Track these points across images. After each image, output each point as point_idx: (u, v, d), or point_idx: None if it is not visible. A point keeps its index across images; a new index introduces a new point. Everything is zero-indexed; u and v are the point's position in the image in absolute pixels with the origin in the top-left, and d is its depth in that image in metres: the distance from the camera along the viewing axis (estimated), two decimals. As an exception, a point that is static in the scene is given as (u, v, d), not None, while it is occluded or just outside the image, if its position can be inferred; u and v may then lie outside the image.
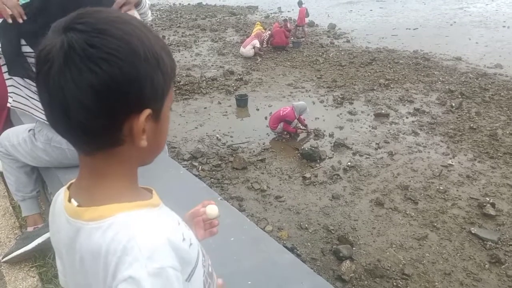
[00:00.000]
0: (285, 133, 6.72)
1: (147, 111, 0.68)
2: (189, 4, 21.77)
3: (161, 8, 20.25)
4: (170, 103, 0.77)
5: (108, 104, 0.65)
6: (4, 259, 2.32)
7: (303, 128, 6.90)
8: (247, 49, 11.11)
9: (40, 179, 2.59)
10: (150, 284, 0.65)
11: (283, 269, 1.22)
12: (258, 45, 11.20)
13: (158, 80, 0.69)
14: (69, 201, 0.76)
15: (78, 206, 0.74)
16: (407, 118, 7.36)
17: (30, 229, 2.42)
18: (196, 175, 4.69)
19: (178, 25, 15.67)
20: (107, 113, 0.66)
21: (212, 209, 1.02)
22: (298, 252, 4.08)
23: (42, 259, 2.33)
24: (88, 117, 0.66)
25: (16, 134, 2.27)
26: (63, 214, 0.77)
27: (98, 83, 0.63)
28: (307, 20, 14.16)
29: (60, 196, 0.81)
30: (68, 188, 0.80)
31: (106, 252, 0.68)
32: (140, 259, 0.65)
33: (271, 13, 17.91)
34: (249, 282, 1.14)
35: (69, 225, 0.75)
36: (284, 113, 6.71)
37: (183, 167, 2.13)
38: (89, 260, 0.72)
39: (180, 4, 21.84)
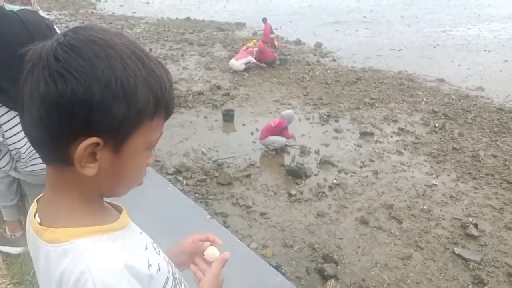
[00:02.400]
0: (272, 149, 6.71)
1: (93, 139, 0.65)
2: (177, 18, 21.82)
3: (149, 21, 20.25)
4: (145, 141, 0.72)
5: (53, 120, 0.64)
6: None
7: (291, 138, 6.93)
8: (239, 63, 11.14)
9: (21, 191, 2.54)
10: None
11: (274, 291, 1.20)
12: (253, 60, 11.29)
13: (117, 112, 0.65)
14: (35, 216, 0.75)
15: (39, 223, 0.72)
16: (391, 137, 7.45)
17: (7, 234, 2.41)
18: (180, 190, 4.62)
19: (165, 38, 15.68)
20: (50, 128, 0.65)
21: (212, 254, 0.98)
22: (282, 270, 4.02)
23: (20, 276, 2.25)
24: (34, 125, 0.66)
25: None
26: (30, 228, 0.76)
27: (48, 95, 0.63)
28: (272, 36, 14.35)
29: (30, 209, 0.79)
30: (38, 201, 0.78)
31: (59, 280, 0.66)
32: None
33: (258, 30, 18.06)
34: (240, 305, 1.11)
35: (33, 239, 0.73)
36: (276, 123, 6.77)
37: (168, 181, 2.09)
38: (44, 281, 0.71)
39: (168, 18, 21.88)
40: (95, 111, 0.64)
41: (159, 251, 0.86)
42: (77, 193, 0.72)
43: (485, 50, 15.52)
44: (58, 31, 1.96)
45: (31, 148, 1.88)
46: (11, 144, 1.93)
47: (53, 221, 0.71)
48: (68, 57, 0.63)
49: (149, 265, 0.75)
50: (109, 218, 0.77)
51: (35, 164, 2.05)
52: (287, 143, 6.84)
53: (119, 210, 0.84)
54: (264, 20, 14.68)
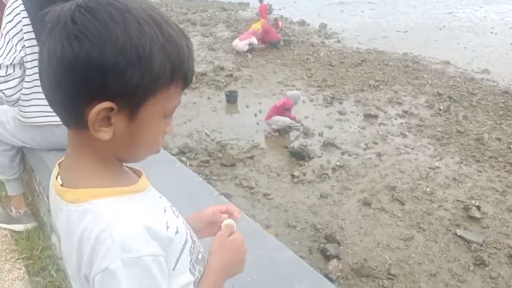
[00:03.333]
0: (275, 129, 6.71)
1: (106, 104, 0.65)
2: (180, -3, 21.59)
3: (151, 1, 20.05)
4: (162, 109, 0.72)
5: (68, 82, 0.64)
6: None
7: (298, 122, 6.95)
8: (242, 44, 11.03)
9: (27, 166, 2.57)
10: (126, 274, 0.65)
11: (282, 266, 1.21)
12: (255, 42, 11.17)
13: (132, 77, 0.64)
14: (57, 178, 0.77)
15: (61, 185, 0.74)
16: (395, 119, 7.42)
17: (13, 212, 2.45)
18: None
19: (168, 18, 15.53)
20: (66, 91, 0.65)
21: (229, 226, 0.99)
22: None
23: (28, 251, 2.28)
24: (52, 87, 0.67)
25: (5, 112, 2.25)
26: (52, 190, 0.77)
27: (64, 58, 0.63)
28: (269, 17, 14.20)
29: (53, 172, 0.81)
30: (60, 164, 0.80)
31: (80, 238, 0.68)
32: (113, 250, 0.65)
33: (272, 10, 17.84)
34: (249, 279, 1.12)
35: (55, 201, 0.75)
36: (281, 103, 6.78)
37: (175, 158, 2.11)
38: (66, 240, 0.73)
39: (170, -3, 21.65)
40: (109, 76, 0.63)
41: (177, 214, 0.87)
42: (95, 156, 0.73)
43: (491, 33, 15.33)
44: None
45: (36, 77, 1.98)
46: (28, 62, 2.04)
47: (74, 183, 0.73)
48: (84, 19, 0.63)
49: (168, 227, 0.76)
50: (129, 181, 0.78)
51: (36, 105, 2.06)
52: (291, 124, 6.83)
53: (138, 174, 0.85)
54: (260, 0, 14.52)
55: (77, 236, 0.68)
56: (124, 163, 0.81)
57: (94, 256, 0.66)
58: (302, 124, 6.94)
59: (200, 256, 0.89)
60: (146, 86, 0.67)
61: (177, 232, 0.79)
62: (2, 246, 2.39)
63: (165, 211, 0.81)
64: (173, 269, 0.77)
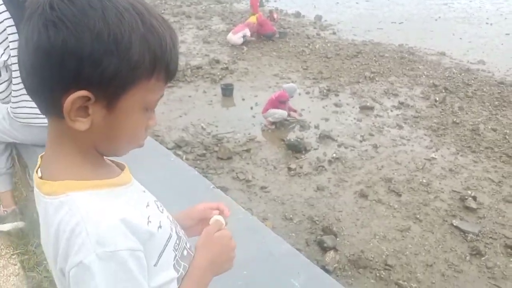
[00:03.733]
0: (271, 122, 6.69)
1: (81, 93, 0.63)
2: (174, -10, 21.40)
3: (146, -6, 19.89)
4: (142, 101, 0.70)
5: (44, 69, 0.63)
6: None
7: (295, 113, 6.93)
8: (237, 37, 10.96)
9: (21, 162, 2.54)
10: (101, 268, 0.63)
11: (279, 259, 1.20)
12: (248, 34, 11.09)
13: (108, 66, 0.62)
14: (37, 170, 0.76)
15: (40, 177, 0.73)
16: (391, 111, 7.42)
17: (0, 211, 2.42)
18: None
19: (162, 11, 15.39)
20: (42, 78, 0.64)
21: (217, 222, 0.97)
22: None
23: (23, 247, 2.27)
24: (28, 74, 0.65)
25: None
26: (34, 183, 0.76)
27: (40, 44, 0.61)
28: (263, 9, 14.11)
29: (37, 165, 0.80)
30: (41, 157, 0.78)
31: (56, 231, 0.67)
32: (88, 244, 0.64)
33: (263, 3, 17.72)
34: (245, 272, 1.12)
35: (36, 193, 0.74)
36: (276, 95, 6.77)
37: (170, 152, 2.10)
38: (44, 233, 0.72)
39: (165, -10, 21.46)
40: (85, 63, 0.62)
41: (162, 209, 0.85)
42: (74, 148, 0.71)
43: (487, 23, 15.31)
44: None
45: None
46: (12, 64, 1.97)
47: (52, 175, 0.71)
48: (62, 5, 0.61)
49: (149, 222, 0.75)
50: (110, 174, 0.77)
51: (25, 107, 2.04)
52: (288, 117, 6.81)
53: (121, 167, 0.83)
54: None
55: (53, 229, 0.67)
56: (107, 157, 0.79)
57: (69, 250, 0.65)
58: (301, 115, 6.92)
59: (185, 253, 0.87)
60: (124, 75, 0.65)
61: (160, 227, 0.78)
62: (-3, 242, 2.38)
63: (147, 205, 0.80)
64: (154, 265, 0.75)
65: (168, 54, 0.70)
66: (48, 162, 0.74)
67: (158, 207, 0.84)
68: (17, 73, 1.99)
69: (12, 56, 1.98)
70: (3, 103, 2.06)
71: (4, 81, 1.99)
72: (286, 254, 1.24)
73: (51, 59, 0.62)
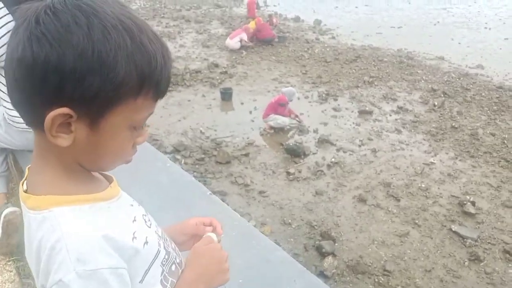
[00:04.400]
0: (271, 127, 6.69)
1: (62, 110, 0.62)
2: (173, -6, 21.46)
3: (145, -2, 19.92)
4: (128, 120, 0.68)
5: (26, 84, 0.62)
6: None
7: (296, 117, 6.93)
8: (234, 41, 10.99)
9: (17, 167, 2.53)
10: (81, 287, 0.62)
11: (275, 266, 1.19)
12: (245, 38, 11.10)
13: (91, 84, 0.61)
14: (23, 183, 0.74)
15: (25, 191, 0.72)
16: (390, 115, 7.42)
17: None
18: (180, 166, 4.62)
19: (162, 15, 15.43)
20: (25, 92, 0.63)
21: (207, 238, 0.95)
22: (281, 247, 4.06)
23: (19, 253, 2.25)
24: (12, 87, 0.65)
25: None
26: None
27: (23, 58, 0.61)
28: (259, 12, 14.21)
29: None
30: (29, 168, 0.76)
31: (38, 247, 0.66)
32: (68, 262, 0.62)
33: (259, 6, 17.76)
34: (240, 281, 1.11)
35: (22, 206, 0.73)
36: (275, 99, 6.80)
37: (167, 157, 2.10)
38: (27, 248, 0.71)
39: (164, -6, 21.51)
40: (67, 81, 0.61)
41: (150, 224, 0.84)
42: (58, 162, 0.70)
43: (485, 28, 15.36)
44: None
45: None
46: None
47: (36, 188, 0.70)
48: (47, 20, 0.61)
49: (134, 238, 0.73)
50: (95, 188, 0.75)
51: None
52: (292, 124, 6.80)
53: (109, 180, 0.82)
54: None
55: (35, 244, 0.66)
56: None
57: (49, 267, 0.64)
58: (299, 121, 6.91)
59: (173, 268, 0.85)
60: (107, 94, 0.63)
61: (146, 243, 0.76)
62: (-7, 248, 2.37)
63: (134, 220, 0.78)
64: (140, 281, 0.74)
65: (158, 72, 0.67)
66: (33, 175, 0.73)
67: (145, 222, 0.82)
68: None
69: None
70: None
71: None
72: (282, 261, 1.23)
73: (33, 74, 0.61)
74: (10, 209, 2.21)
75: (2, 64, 1.98)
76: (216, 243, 0.93)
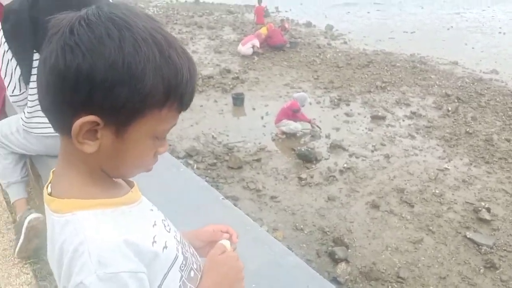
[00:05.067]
0: (283, 132, 6.70)
1: (90, 117, 0.64)
2: (186, 1, 21.68)
3: (158, 5, 20.16)
4: (152, 130, 0.71)
5: (57, 91, 0.64)
6: (15, 255, 2.32)
7: (313, 123, 6.94)
8: (246, 47, 11.05)
9: (34, 172, 2.57)
10: None
11: (288, 271, 1.19)
12: (257, 44, 11.15)
13: (119, 94, 0.63)
14: (48, 186, 0.76)
15: (49, 193, 0.74)
16: (403, 121, 7.37)
17: (17, 219, 2.42)
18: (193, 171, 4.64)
19: (174, 21, 15.60)
20: (55, 99, 0.66)
21: (222, 245, 0.96)
22: (293, 253, 4.05)
23: (35, 256, 2.28)
24: (43, 93, 0.67)
25: (9, 124, 2.28)
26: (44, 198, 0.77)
27: (56, 66, 0.63)
28: (266, 20, 14.34)
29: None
30: (53, 172, 0.79)
31: (60, 249, 0.67)
32: (89, 264, 0.64)
33: (269, 12, 17.84)
34: (253, 285, 1.11)
35: (46, 208, 0.75)
36: (288, 105, 6.81)
37: (180, 162, 2.11)
38: (50, 250, 0.73)
39: (177, 1, 21.76)
40: (97, 90, 0.63)
41: (169, 229, 0.85)
42: (82, 166, 0.72)
43: (499, 33, 15.20)
44: None
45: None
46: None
47: (60, 192, 0.72)
48: (81, 31, 0.63)
49: (154, 242, 0.75)
50: (117, 193, 0.77)
51: (39, 116, 2.07)
52: (301, 132, 6.80)
53: (130, 185, 0.83)
54: (259, 1, 14.78)
55: (58, 246, 0.68)
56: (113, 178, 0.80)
57: (71, 269, 0.65)
58: (319, 128, 6.91)
59: (192, 274, 0.85)
60: (134, 105, 0.65)
61: (165, 247, 0.77)
62: (10, 250, 2.40)
63: (154, 225, 0.80)
64: (159, 286, 0.75)
65: (184, 85, 0.69)
66: (58, 179, 0.75)
67: (165, 227, 0.83)
68: (35, 84, 2.04)
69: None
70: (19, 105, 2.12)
71: (23, 92, 2.05)
72: (295, 266, 1.23)
73: (64, 82, 0.63)
74: (34, 215, 2.25)
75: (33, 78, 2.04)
76: (233, 252, 0.94)
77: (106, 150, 0.69)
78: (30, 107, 2.09)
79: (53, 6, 1.91)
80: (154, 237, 0.75)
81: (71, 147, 0.69)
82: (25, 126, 2.14)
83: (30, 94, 2.07)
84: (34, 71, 2.04)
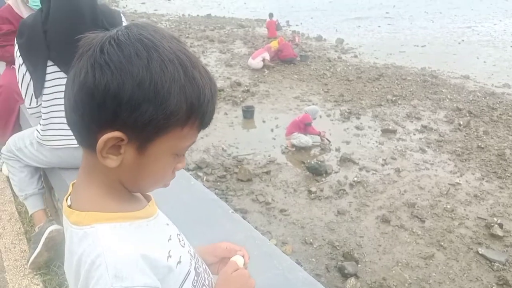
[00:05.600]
0: (293, 145, 6.70)
1: (115, 133, 0.67)
2: (198, 15, 21.95)
3: (170, 19, 20.43)
4: (173, 147, 0.73)
5: (85, 107, 0.67)
6: (28, 265, 2.33)
7: (320, 135, 6.94)
8: (256, 61, 11.12)
9: (47, 184, 2.60)
10: None
11: (296, 287, 1.19)
12: (268, 57, 11.22)
13: (144, 112, 0.66)
14: (67, 198, 0.78)
15: (69, 206, 0.76)
16: (414, 135, 7.33)
17: (36, 229, 2.44)
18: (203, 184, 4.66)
19: (186, 35, 15.78)
20: (82, 115, 0.68)
21: (234, 262, 0.97)
22: (302, 267, 4.02)
23: (46, 267, 2.30)
24: (70, 108, 0.70)
25: (23, 137, 2.31)
26: (63, 209, 0.78)
27: (85, 83, 0.66)
28: (278, 33, 14.43)
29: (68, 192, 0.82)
30: (73, 184, 0.81)
31: (78, 261, 0.69)
32: (106, 277, 0.65)
33: (280, 26, 17.97)
34: (261, 300, 1.11)
35: (64, 220, 0.76)
36: (300, 118, 6.84)
37: (190, 175, 2.13)
38: (67, 261, 0.74)
39: (189, 15, 22.04)
40: (124, 107, 0.65)
41: (184, 243, 0.87)
42: (103, 180, 0.74)
43: (511, 46, 15.10)
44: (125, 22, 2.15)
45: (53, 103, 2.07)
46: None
47: (80, 204, 0.74)
48: (111, 50, 0.66)
49: (169, 256, 0.76)
50: (135, 206, 0.79)
51: (53, 129, 2.11)
52: (312, 143, 6.80)
53: (148, 199, 0.85)
54: (270, 15, 14.89)
55: (76, 258, 0.69)
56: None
57: (88, 281, 0.67)
58: (329, 141, 6.92)
59: None
60: (158, 122, 0.68)
61: (179, 262, 0.79)
62: (21, 261, 2.43)
63: (169, 239, 0.81)
64: None
65: (205, 105, 0.72)
66: (78, 191, 0.77)
67: (180, 241, 0.85)
68: (48, 97, 2.07)
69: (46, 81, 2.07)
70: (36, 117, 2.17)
71: (39, 105, 2.11)
72: (303, 282, 1.23)
73: (93, 99, 0.65)
74: (55, 226, 2.28)
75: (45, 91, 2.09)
76: (245, 270, 0.95)
77: (128, 165, 0.71)
78: (44, 119, 2.13)
79: (63, 19, 1.96)
80: (169, 252, 0.77)
81: (93, 161, 0.72)
82: (40, 139, 2.18)
83: (43, 107, 2.11)
84: (47, 84, 2.08)
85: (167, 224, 0.86)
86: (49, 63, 2.05)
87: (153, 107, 0.66)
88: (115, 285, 0.65)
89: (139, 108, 0.65)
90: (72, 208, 0.75)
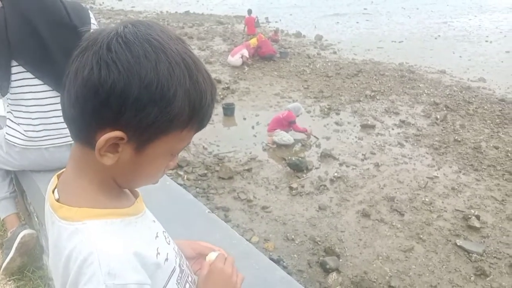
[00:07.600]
0: (273, 142, 6.70)
1: (117, 133, 0.66)
2: (176, 12, 21.74)
3: (148, 16, 20.17)
4: (170, 148, 0.73)
5: (87, 104, 0.66)
6: (1, 271, 2.27)
7: (308, 133, 6.98)
8: (235, 58, 11.08)
9: (19, 187, 2.54)
10: None
11: (274, 286, 1.18)
12: (246, 54, 11.18)
13: (149, 114, 0.65)
14: (54, 191, 0.77)
15: (57, 200, 0.74)
16: (393, 129, 7.42)
17: (9, 234, 2.38)
18: (181, 185, 4.61)
19: (165, 32, 15.61)
20: (83, 111, 0.67)
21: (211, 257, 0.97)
22: (284, 264, 4.03)
23: (19, 273, 2.24)
24: (70, 103, 0.68)
25: None
26: (47, 202, 0.77)
27: (89, 80, 0.64)
28: (257, 30, 14.45)
29: (50, 183, 0.81)
30: (58, 176, 0.80)
31: (68, 257, 0.68)
32: (99, 275, 0.65)
33: (259, 23, 17.95)
34: (239, 301, 1.10)
35: (49, 214, 0.75)
36: (284, 115, 6.81)
37: (168, 175, 2.10)
38: (54, 256, 0.73)
39: (167, 12, 21.80)
40: (128, 108, 0.65)
41: (169, 241, 0.87)
42: (95, 176, 0.74)
43: (486, 41, 15.45)
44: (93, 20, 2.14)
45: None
46: None
47: (70, 199, 0.73)
48: (119, 49, 0.64)
49: (158, 254, 0.77)
50: (125, 203, 0.79)
51: (18, 131, 2.06)
52: (294, 141, 6.82)
53: (135, 195, 0.85)
54: (249, 11, 14.82)
55: (65, 254, 0.69)
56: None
57: (79, 278, 0.66)
58: (317, 138, 6.94)
59: (187, 286, 0.88)
60: (160, 125, 0.68)
61: (166, 259, 0.80)
62: (-6, 267, 2.36)
63: (157, 236, 0.82)
64: None
65: (205, 109, 0.73)
66: (67, 186, 0.76)
67: (165, 238, 0.86)
68: (14, 96, 2.01)
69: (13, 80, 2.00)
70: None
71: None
72: (281, 281, 1.22)
73: (97, 97, 0.64)
74: (27, 230, 2.22)
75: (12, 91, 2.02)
76: (228, 268, 0.95)
77: (124, 163, 0.71)
78: (11, 120, 2.07)
79: (17, 15, 1.91)
80: (157, 249, 0.78)
81: (88, 157, 0.71)
82: (8, 140, 2.12)
83: (11, 109, 2.05)
84: (14, 83, 2.02)
85: (154, 221, 0.86)
86: (14, 63, 1.99)
87: (158, 109, 0.66)
88: (108, 283, 0.65)
89: (144, 109, 0.65)
90: (60, 202, 0.73)
